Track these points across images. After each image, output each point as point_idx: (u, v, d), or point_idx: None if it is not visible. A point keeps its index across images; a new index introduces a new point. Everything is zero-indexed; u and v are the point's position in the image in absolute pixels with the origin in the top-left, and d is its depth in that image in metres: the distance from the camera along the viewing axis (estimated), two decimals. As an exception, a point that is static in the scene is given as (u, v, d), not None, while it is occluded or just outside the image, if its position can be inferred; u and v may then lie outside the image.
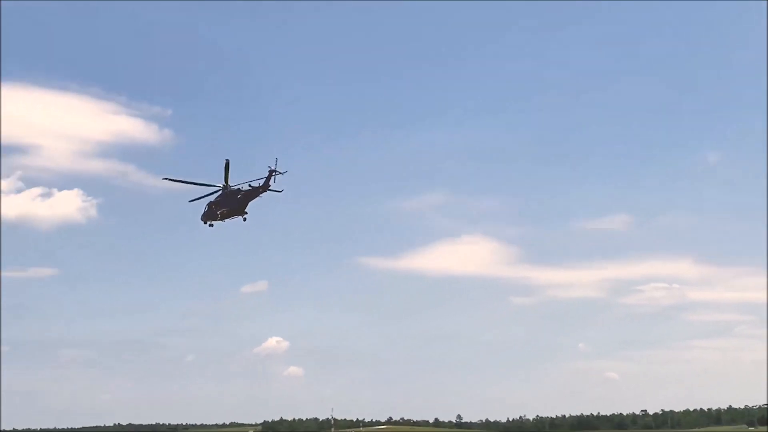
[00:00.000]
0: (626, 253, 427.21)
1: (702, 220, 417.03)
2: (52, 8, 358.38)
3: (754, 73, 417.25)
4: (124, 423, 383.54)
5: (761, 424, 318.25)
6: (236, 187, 58.97)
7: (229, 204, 58.13)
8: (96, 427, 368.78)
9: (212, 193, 61.51)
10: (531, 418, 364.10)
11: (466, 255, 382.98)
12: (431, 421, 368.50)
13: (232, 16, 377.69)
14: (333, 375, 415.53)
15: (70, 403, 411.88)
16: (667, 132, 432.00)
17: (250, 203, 57.22)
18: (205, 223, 60.14)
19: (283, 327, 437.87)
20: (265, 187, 59.12)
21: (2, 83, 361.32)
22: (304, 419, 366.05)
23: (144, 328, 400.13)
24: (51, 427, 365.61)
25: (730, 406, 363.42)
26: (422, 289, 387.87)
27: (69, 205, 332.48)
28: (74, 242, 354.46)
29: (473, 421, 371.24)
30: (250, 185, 60.16)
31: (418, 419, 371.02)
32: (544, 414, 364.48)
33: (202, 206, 61.97)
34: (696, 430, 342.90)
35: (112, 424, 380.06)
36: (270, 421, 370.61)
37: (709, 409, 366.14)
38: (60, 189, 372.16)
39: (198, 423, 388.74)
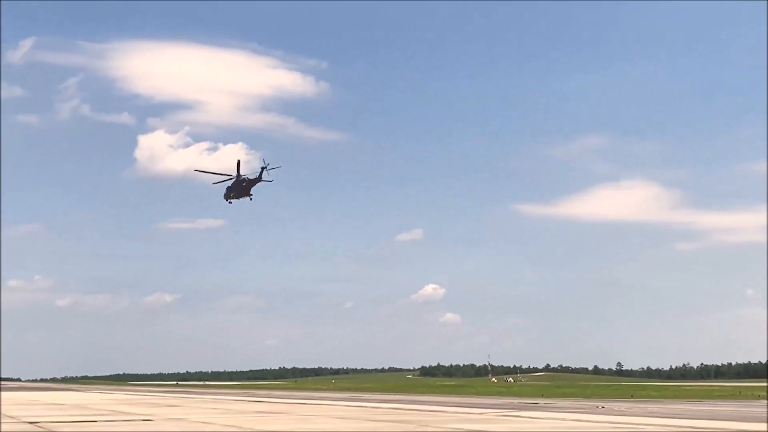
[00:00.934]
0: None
1: None
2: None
3: None
4: (288, 367, 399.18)
5: None
6: (243, 176, 76.57)
7: (237, 189, 76.52)
8: (262, 370, 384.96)
9: (228, 179, 77.94)
10: (695, 366, 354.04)
11: (626, 200, 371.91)
12: (590, 368, 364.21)
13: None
14: (489, 322, 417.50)
15: (237, 348, 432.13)
16: None
17: (252, 188, 76.12)
18: (226, 200, 77.55)
19: (439, 274, 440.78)
20: (259, 179, 76.77)
21: (168, 42, 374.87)
22: (461, 365, 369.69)
23: (305, 275, 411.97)
24: (221, 370, 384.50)
25: None
26: (580, 236, 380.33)
27: (233, 158, 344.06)
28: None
29: (634, 368, 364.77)
30: (248, 178, 77.44)
31: (577, 367, 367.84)
32: (708, 362, 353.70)
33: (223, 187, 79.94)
34: None
35: (277, 368, 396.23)
36: (427, 366, 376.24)
37: None
38: (225, 143, 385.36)
39: (358, 367, 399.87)
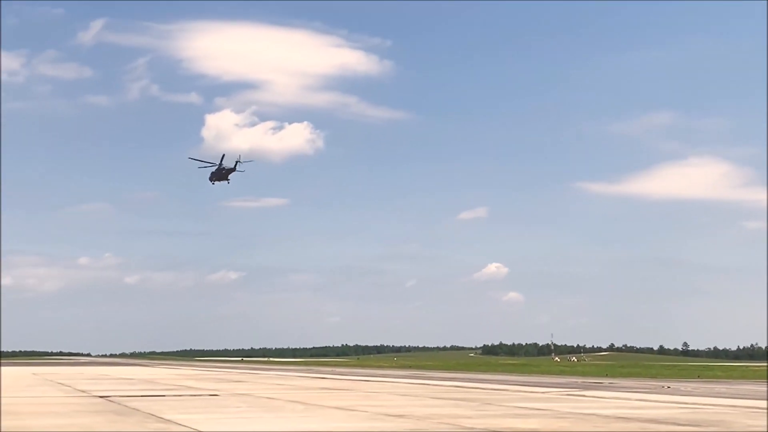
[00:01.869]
0: None
1: None
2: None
3: None
4: (351, 344, 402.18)
5: None
6: (224, 166, 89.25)
7: (218, 175, 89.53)
8: (324, 347, 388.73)
9: (211, 166, 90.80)
10: (764, 347, 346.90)
11: (693, 178, 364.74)
12: (655, 348, 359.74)
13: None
14: (553, 301, 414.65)
15: (300, 325, 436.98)
16: None
17: (230, 176, 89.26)
18: (211, 182, 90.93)
19: (502, 253, 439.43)
20: (234, 169, 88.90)
21: (233, 22, 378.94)
22: (524, 344, 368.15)
23: (367, 253, 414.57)
24: (285, 347, 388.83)
25: None
26: (646, 214, 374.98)
27: (298, 137, 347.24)
28: (303, 173, 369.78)
29: (700, 348, 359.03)
30: (226, 167, 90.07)
31: (642, 346, 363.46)
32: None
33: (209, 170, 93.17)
34: None
35: (339, 345, 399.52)
36: (489, 345, 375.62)
37: None
38: (290, 122, 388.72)
39: (420, 345, 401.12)
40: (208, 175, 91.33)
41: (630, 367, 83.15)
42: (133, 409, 21.74)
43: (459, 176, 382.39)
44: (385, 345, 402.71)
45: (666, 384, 41.89)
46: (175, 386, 37.09)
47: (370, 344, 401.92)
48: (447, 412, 20.49)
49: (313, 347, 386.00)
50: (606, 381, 45.63)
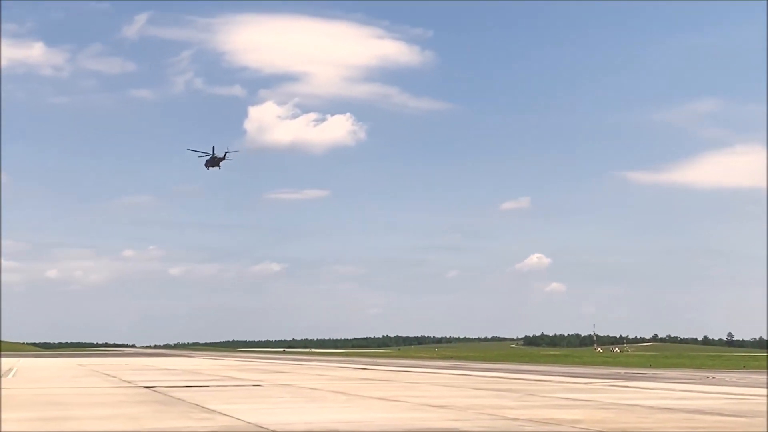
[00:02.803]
0: None
1: None
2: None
3: None
4: (391, 335, 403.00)
5: None
6: (215, 155, 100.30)
7: (212, 163, 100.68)
8: (365, 338, 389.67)
9: (205, 155, 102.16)
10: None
11: (738, 166, 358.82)
12: (700, 338, 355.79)
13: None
14: (596, 291, 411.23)
15: (341, 317, 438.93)
16: None
17: (220, 162, 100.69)
18: (206, 167, 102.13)
19: (544, 244, 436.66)
20: (224, 158, 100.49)
21: (274, 15, 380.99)
22: (566, 335, 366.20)
23: (409, 244, 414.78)
24: (326, 338, 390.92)
25: None
26: (690, 203, 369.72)
27: (339, 129, 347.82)
28: (344, 164, 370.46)
29: (746, 339, 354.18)
30: (218, 156, 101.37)
31: (686, 336, 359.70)
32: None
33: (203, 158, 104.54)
34: None
35: (380, 336, 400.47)
36: (531, 336, 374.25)
37: None
38: (331, 114, 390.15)
39: (461, 336, 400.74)
40: (204, 162, 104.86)
41: (674, 358, 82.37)
42: (178, 399, 22.00)
43: (501, 166, 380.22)
44: (426, 336, 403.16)
45: (711, 374, 41.44)
46: (219, 377, 37.46)
47: (411, 335, 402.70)
48: (489, 403, 20.46)
49: (354, 338, 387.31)
50: (649, 372, 45.24)
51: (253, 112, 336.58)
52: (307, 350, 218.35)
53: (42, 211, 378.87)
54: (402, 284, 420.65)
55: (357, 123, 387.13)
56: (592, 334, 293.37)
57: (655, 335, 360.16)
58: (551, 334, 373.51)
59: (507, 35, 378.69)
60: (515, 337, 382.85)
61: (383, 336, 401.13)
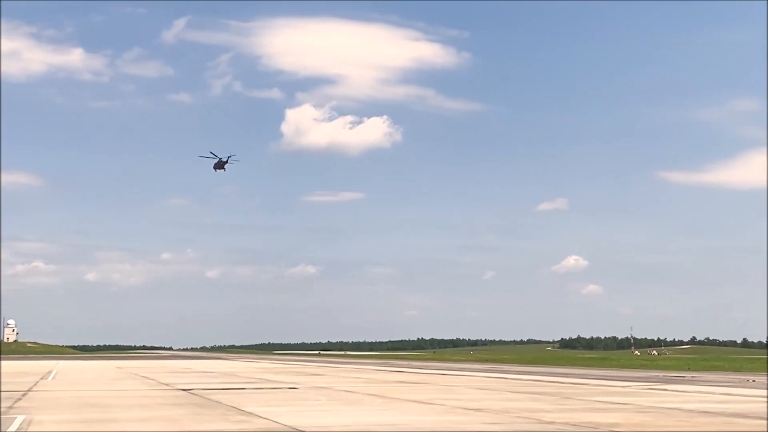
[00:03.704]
0: None
1: None
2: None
3: None
4: (426, 338, 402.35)
5: None
6: (221, 158, 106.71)
7: (219, 166, 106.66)
8: (401, 340, 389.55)
9: (213, 158, 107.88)
10: None
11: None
12: (739, 341, 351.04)
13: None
14: (633, 293, 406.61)
15: (377, 319, 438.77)
16: None
17: (225, 165, 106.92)
18: (214, 170, 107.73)
19: (582, 245, 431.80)
20: (227, 161, 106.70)
21: (309, 18, 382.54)
22: (602, 337, 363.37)
23: (445, 246, 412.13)
24: (361, 340, 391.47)
25: None
26: (728, 203, 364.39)
27: (376, 131, 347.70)
28: (380, 167, 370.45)
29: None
30: (222, 159, 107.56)
31: (725, 339, 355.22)
32: None
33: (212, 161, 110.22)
34: None
35: (416, 338, 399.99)
36: (567, 338, 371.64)
37: None
38: (367, 116, 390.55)
39: (497, 339, 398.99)
40: (213, 164, 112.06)
41: (712, 361, 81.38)
42: (215, 401, 22.18)
43: (538, 167, 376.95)
44: (461, 338, 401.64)
45: (751, 377, 40.90)
46: (255, 379, 37.68)
47: (446, 337, 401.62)
48: (525, 406, 20.39)
49: (389, 341, 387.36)
50: (688, 375, 44.77)
51: (291, 115, 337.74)
52: (342, 353, 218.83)
53: (81, 215, 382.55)
54: (438, 286, 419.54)
55: (393, 125, 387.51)
56: (629, 336, 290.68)
57: (694, 338, 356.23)
58: (588, 336, 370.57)
59: (543, 35, 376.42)
60: (551, 340, 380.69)
61: (418, 339, 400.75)
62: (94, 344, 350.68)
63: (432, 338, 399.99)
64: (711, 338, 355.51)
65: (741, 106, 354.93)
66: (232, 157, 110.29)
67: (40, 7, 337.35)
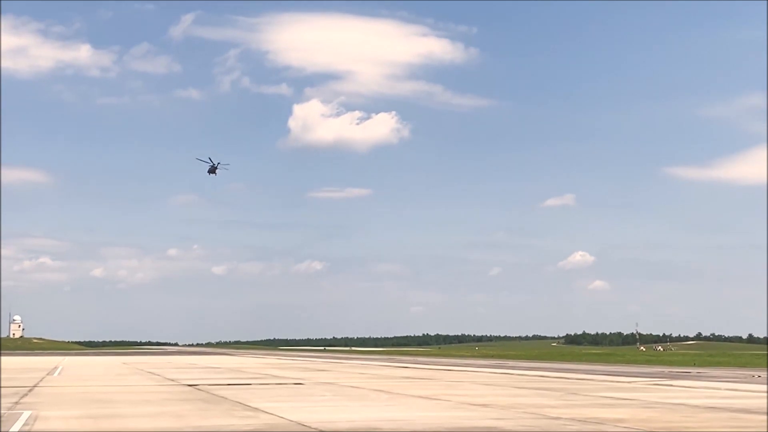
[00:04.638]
0: None
1: None
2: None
3: None
4: (432, 333, 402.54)
5: None
6: (213, 164, 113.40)
7: (211, 170, 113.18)
8: (406, 336, 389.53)
9: (209, 163, 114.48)
10: None
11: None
12: (744, 337, 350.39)
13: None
14: (639, 289, 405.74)
15: (382, 315, 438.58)
16: None
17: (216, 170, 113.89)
18: (209, 174, 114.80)
19: (588, 241, 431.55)
20: (218, 166, 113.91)
21: (317, 13, 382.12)
22: (608, 333, 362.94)
23: (451, 242, 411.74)
24: (367, 336, 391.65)
25: None
26: (736, 199, 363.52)
27: (383, 127, 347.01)
28: (387, 163, 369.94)
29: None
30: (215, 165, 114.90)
31: (730, 335, 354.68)
32: None
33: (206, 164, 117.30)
34: None
35: (420, 334, 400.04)
36: (572, 334, 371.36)
37: None
38: (374, 112, 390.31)
39: (502, 335, 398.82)
40: (207, 168, 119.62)
41: (718, 356, 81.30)
42: (221, 397, 22.22)
43: (545, 163, 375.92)
44: (466, 334, 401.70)
45: (756, 373, 40.86)
46: (261, 375, 37.73)
47: (451, 333, 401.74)
48: (531, 402, 20.39)
49: (394, 337, 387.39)
50: (694, 370, 44.73)
51: (298, 110, 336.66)
52: (348, 349, 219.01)
53: (88, 211, 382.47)
54: (444, 282, 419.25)
55: (401, 121, 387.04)
56: (634, 332, 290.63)
57: (699, 333, 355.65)
58: (593, 332, 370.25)
59: (550, 31, 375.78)
60: (556, 336, 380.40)
61: (423, 335, 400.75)
62: (100, 340, 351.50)
63: (437, 334, 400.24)
64: (716, 334, 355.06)
65: (748, 103, 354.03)
66: (223, 165, 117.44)
67: (47, 3, 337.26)
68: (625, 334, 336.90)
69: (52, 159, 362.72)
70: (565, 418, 16.14)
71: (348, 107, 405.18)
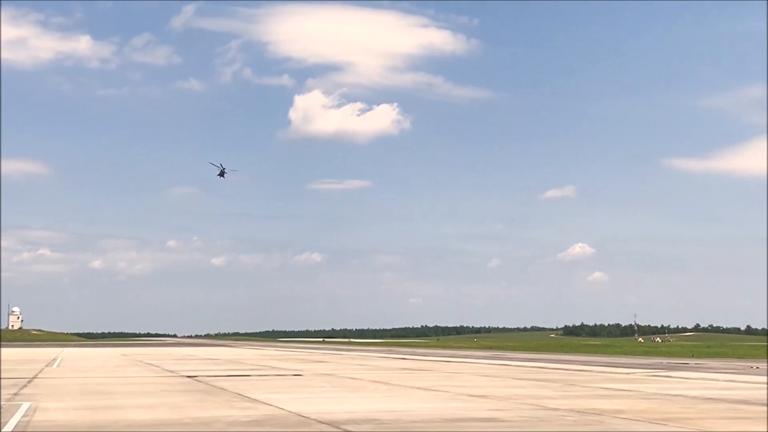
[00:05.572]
0: None
1: None
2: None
3: None
4: (430, 325, 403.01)
5: None
6: (222, 168, 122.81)
7: (220, 174, 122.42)
8: (405, 328, 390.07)
9: (217, 167, 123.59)
10: None
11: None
12: (742, 328, 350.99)
13: None
14: (638, 281, 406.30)
15: (382, 307, 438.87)
16: None
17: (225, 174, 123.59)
18: (219, 176, 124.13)
19: (588, 233, 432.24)
20: (225, 170, 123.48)
21: (318, 4, 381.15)
22: (606, 325, 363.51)
23: (451, 234, 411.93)
24: (365, 328, 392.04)
25: None
26: (735, 191, 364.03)
27: (384, 118, 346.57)
28: (387, 154, 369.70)
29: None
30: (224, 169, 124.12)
31: (728, 326, 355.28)
32: None
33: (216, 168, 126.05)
34: None
35: (419, 326, 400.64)
36: (571, 325, 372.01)
37: None
38: (375, 103, 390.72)
39: (500, 326, 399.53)
40: (217, 172, 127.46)
41: (716, 348, 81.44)
42: (220, 388, 22.25)
43: (545, 155, 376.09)
44: (465, 326, 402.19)
45: (754, 364, 40.94)
46: (260, 366, 37.78)
47: (450, 325, 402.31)
48: (530, 393, 20.43)
49: (393, 328, 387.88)
50: (692, 362, 44.82)
51: (299, 101, 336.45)
52: (347, 340, 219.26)
53: (87, 203, 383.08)
54: (443, 274, 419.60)
55: (402, 113, 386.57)
56: (633, 323, 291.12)
57: (697, 325, 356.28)
58: (591, 323, 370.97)
59: (551, 22, 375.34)
60: (555, 327, 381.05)
61: (422, 326, 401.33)
62: (99, 332, 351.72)
63: (436, 326, 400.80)
64: (715, 325, 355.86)
65: (747, 94, 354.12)
66: (231, 170, 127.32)
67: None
68: (623, 325, 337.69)
69: (51, 150, 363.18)
70: (564, 409, 16.17)
71: (349, 98, 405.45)
